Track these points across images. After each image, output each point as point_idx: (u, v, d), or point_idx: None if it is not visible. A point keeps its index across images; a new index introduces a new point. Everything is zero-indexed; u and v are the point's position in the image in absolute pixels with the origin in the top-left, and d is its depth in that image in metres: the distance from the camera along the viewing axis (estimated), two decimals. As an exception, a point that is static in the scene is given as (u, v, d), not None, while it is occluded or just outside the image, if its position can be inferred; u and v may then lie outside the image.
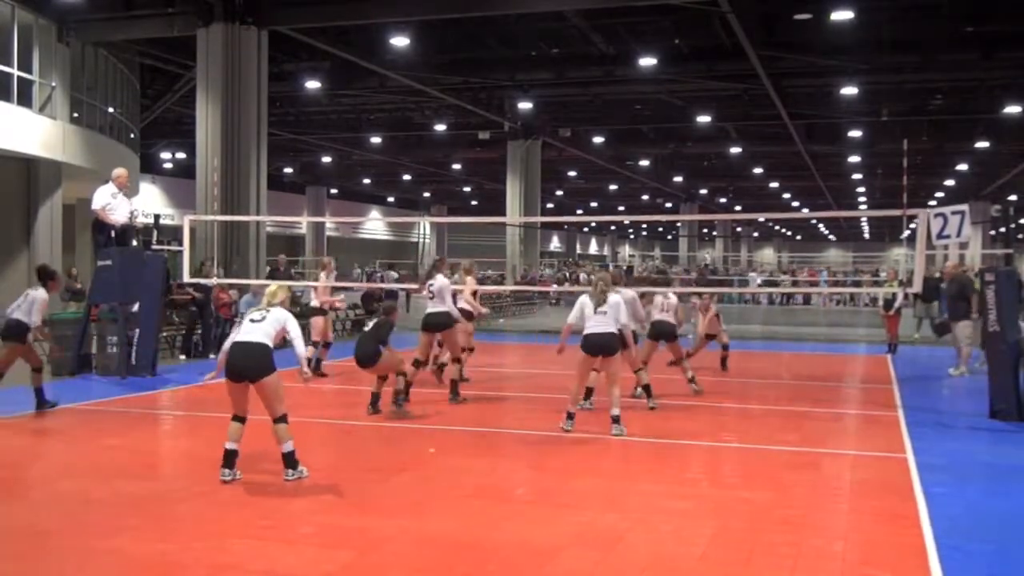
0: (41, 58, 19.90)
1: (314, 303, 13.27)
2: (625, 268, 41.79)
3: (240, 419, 6.71)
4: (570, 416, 8.63)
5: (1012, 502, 6.55)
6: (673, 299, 11.15)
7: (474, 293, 12.38)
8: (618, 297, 8.79)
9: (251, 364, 6.57)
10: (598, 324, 8.55)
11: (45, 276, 9.83)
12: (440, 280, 10.68)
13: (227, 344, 6.89)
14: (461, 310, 11.32)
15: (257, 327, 6.72)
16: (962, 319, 13.50)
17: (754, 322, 24.59)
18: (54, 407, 9.61)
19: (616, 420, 8.46)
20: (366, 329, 9.53)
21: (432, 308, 10.63)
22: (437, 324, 10.55)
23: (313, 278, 17.82)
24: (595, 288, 8.76)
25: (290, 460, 6.63)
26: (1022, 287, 10.46)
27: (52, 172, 21.87)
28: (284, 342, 6.93)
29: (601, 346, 8.53)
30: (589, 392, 9.82)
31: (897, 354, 16.87)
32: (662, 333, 10.87)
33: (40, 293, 9.47)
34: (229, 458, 6.61)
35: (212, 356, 15.25)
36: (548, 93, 25.95)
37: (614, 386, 8.56)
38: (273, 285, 7.37)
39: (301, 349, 6.90)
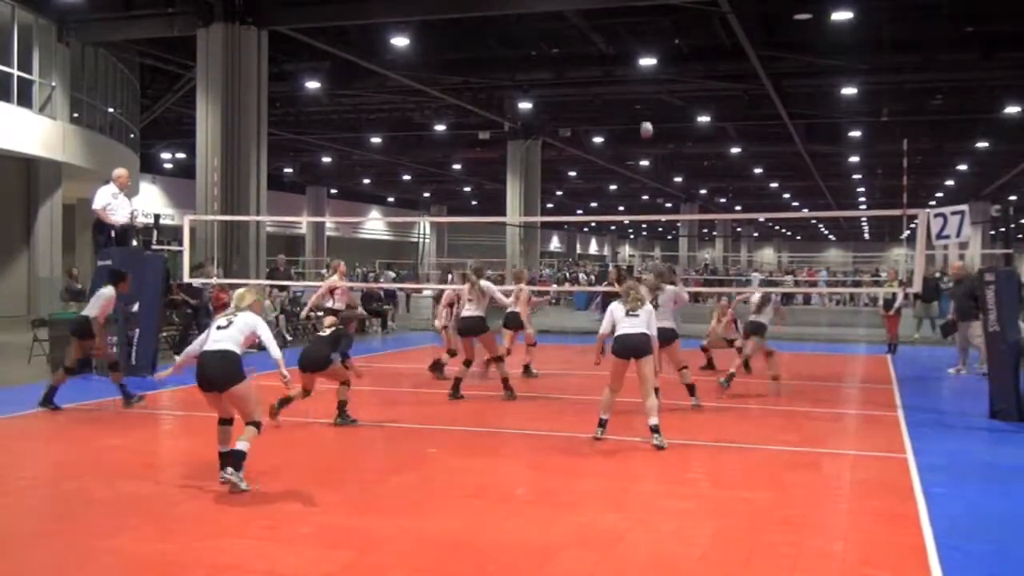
0: (41, 58, 19.92)
1: (329, 304, 13.27)
2: (625, 268, 41.73)
3: (226, 422, 6.61)
4: (601, 424, 8.34)
5: (1012, 502, 6.55)
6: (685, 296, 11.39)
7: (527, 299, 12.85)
8: (650, 307, 8.53)
9: (218, 373, 6.37)
10: (630, 326, 8.26)
11: (116, 277, 10.38)
12: (485, 284, 10.82)
13: (192, 347, 6.72)
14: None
15: (224, 334, 6.52)
16: (972, 319, 13.46)
17: (737, 343, 24.52)
18: (141, 400, 10.17)
19: (655, 430, 8.04)
20: (321, 334, 9.19)
21: (467, 312, 10.73)
22: (472, 328, 10.65)
23: (313, 278, 17.82)
24: (627, 297, 8.42)
25: (237, 459, 6.30)
26: (1022, 287, 10.46)
27: (52, 172, 21.89)
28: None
29: (634, 347, 8.17)
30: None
31: (897, 354, 16.86)
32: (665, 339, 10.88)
33: (106, 290, 10.12)
34: (224, 459, 6.52)
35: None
36: (548, 93, 25.95)
37: (651, 394, 8.15)
38: (241, 289, 7.05)
39: (276, 353, 6.67)
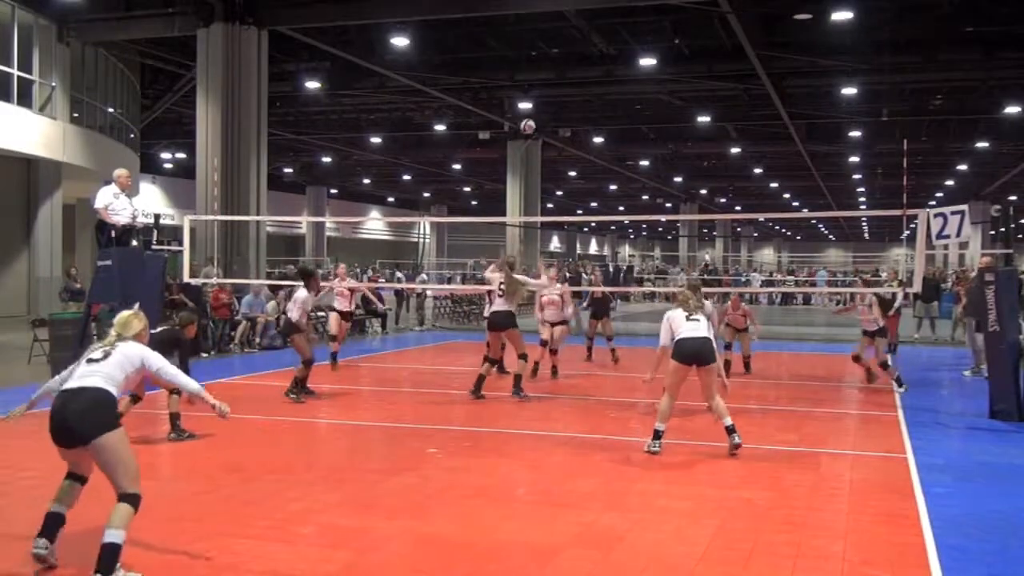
0: (41, 58, 19.92)
1: (337, 305, 14.19)
2: (625, 268, 41.75)
3: (76, 477, 4.93)
4: (657, 435, 7.81)
5: (1012, 502, 6.55)
6: (708, 306, 11.24)
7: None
8: (711, 307, 8.39)
9: (76, 420, 4.62)
10: (692, 329, 7.81)
11: (306, 276, 11.07)
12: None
13: (52, 382, 5.06)
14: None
15: (95, 368, 4.83)
16: None
17: (754, 335, 24.53)
18: (311, 395, 10.65)
19: (731, 430, 7.80)
20: (153, 332, 7.29)
21: (496, 307, 10.82)
22: (500, 324, 10.72)
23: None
24: (686, 304, 8.00)
25: (107, 559, 4.49)
26: (1022, 287, 10.46)
27: (52, 172, 21.90)
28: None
29: (697, 351, 7.71)
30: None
31: (897, 354, 16.85)
32: None
33: (300, 292, 10.71)
34: (49, 525, 4.85)
35: (205, 356, 15.30)
36: (548, 93, 25.96)
37: (715, 396, 7.86)
38: (126, 313, 5.33)
39: (184, 380, 5.28)
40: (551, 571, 4.94)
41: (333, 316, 14.35)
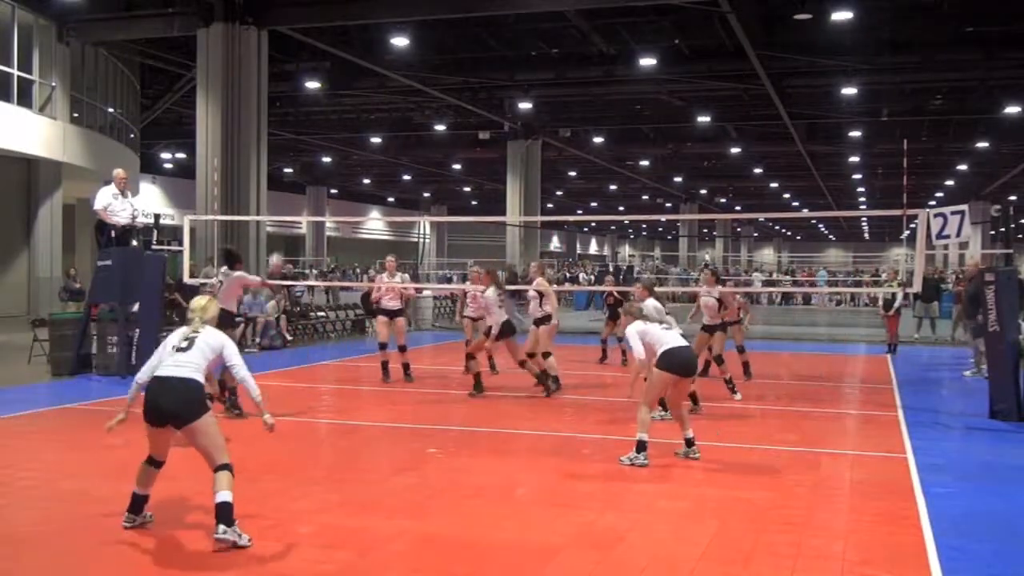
0: (41, 58, 19.92)
1: (389, 305, 12.69)
2: (625, 268, 41.75)
3: (155, 463, 5.50)
4: (642, 447, 7.34)
5: (1012, 502, 6.55)
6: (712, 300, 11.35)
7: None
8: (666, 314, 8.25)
9: (174, 407, 5.22)
10: (675, 338, 7.55)
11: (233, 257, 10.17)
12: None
13: (142, 376, 5.46)
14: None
15: (185, 358, 5.33)
16: None
17: (754, 322, 24.55)
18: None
19: (690, 442, 7.64)
20: None
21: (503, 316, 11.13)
22: (510, 330, 11.13)
23: (314, 278, 17.73)
24: (649, 317, 7.77)
25: (225, 513, 5.11)
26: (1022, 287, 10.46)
27: (52, 172, 21.89)
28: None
29: (688, 362, 7.56)
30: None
31: (897, 354, 16.87)
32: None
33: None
34: (136, 504, 5.47)
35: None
36: (548, 93, 25.96)
37: (683, 407, 7.83)
38: (201, 298, 5.80)
39: (252, 383, 5.55)
40: (551, 571, 4.94)
41: (381, 320, 12.46)
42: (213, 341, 5.46)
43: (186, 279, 13.28)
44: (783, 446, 8.42)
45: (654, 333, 7.54)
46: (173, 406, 5.20)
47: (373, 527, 5.68)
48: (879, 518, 5.98)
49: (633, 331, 7.55)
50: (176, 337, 5.47)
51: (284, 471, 7.19)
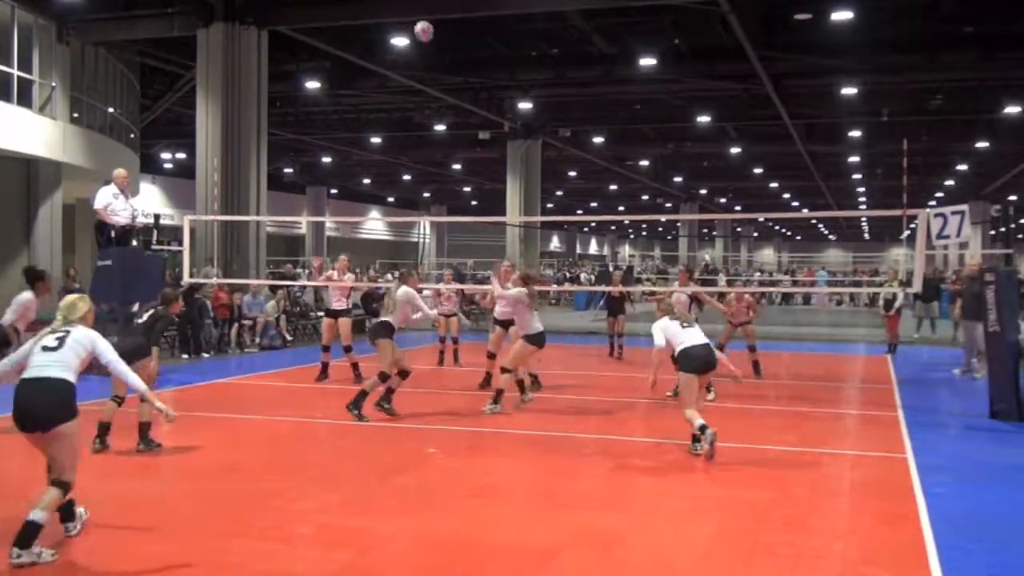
0: (41, 58, 19.90)
1: (335, 305, 12.52)
2: (625, 268, 41.76)
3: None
4: (697, 435, 7.72)
5: (1012, 502, 6.55)
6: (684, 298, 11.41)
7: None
8: (686, 298, 8.63)
9: (48, 410, 4.96)
10: (693, 336, 7.90)
11: (34, 277, 9.66)
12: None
13: (4, 364, 5.40)
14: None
15: (52, 357, 5.08)
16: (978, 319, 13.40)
17: (754, 322, 24.56)
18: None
19: (697, 439, 7.82)
20: (139, 321, 8.24)
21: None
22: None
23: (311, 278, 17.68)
24: (671, 312, 8.13)
25: (29, 535, 4.82)
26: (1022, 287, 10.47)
27: (52, 172, 21.87)
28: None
29: (707, 359, 7.85)
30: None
31: (897, 354, 16.86)
32: None
33: (23, 295, 9.40)
34: (26, 534, 4.86)
35: (206, 355, 15.30)
36: (548, 93, 25.94)
37: (700, 400, 8.06)
38: (71, 296, 5.56)
39: (133, 379, 5.53)
40: (551, 571, 4.94)
41: (339, 322, 12.41)
42: (83, 339, 5.25)
43: (186, 279, 13.28)
44: (783, 446, 8.43)
45: (674, 330, 7.96)
46: (47, 409, 4.96)
47: (373, 527, 5.68)
48: (879, 518, 5.98)
49: (659, 327, 8.02)
50: (44, 337, 5.23)
51: (284, 471, 7.20)
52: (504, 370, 10.00)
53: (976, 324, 13.41)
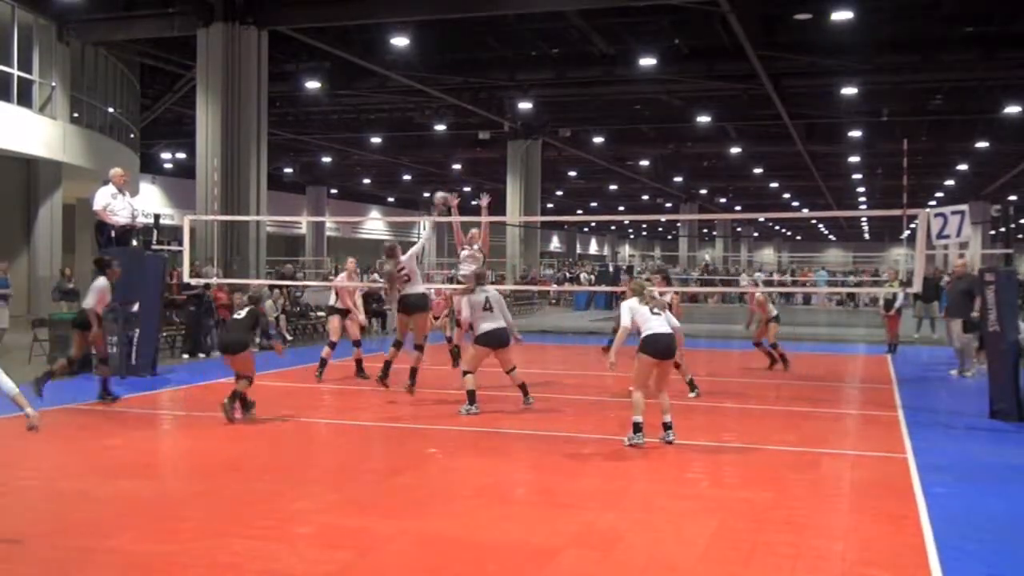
0: (41, 58, 19.92)
1: (332, 302, 13.10)
2: (625, 268, 41.74)
3: None
4: (638, 428, 7.98)
5: (1012, 502, 6.55)
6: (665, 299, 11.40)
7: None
8: (667, 299, 8.73)
9: None
10: (660, 324, 8.12)
11: (102, 265, 10.40)
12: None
13: None
14: None
15: None
16: (958, 317, 13.44)
17: (754, 322, 24.55)
18: (116, 400, 10.20)
19: (668, 426, 8.16)
20: (237, 317, 9.31)
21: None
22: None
23: (313, 278, 17.74)
24: (645, 298, 8.28)
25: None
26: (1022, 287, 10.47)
27: (52, 172, 21.90)
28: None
29: (667, 347, 8.08)
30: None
31: (897, 354, 16.86)
32: None
33: (99, 281, 10.18)
34: None
35: (203, 356, 15.29)
36: (548, 93, 25.97)
37: (665, 392, 8.29)
38: None
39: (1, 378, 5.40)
40: (551, 571, 4.94)
41: (335, 319, 12.82)
42: None
43: (186, 279, 13.29)
44: (783, 446, 8.42)
45: (643, 314, 8.20)
46: None
47: (373, 527, 5.68)
48: (879, 518, 5.98)
49: (627, 306, 8.31)
50: None
51: (284, 471, 7.19)
52: (465, 372, 9.96)
53: (956, 322, 13.51)
